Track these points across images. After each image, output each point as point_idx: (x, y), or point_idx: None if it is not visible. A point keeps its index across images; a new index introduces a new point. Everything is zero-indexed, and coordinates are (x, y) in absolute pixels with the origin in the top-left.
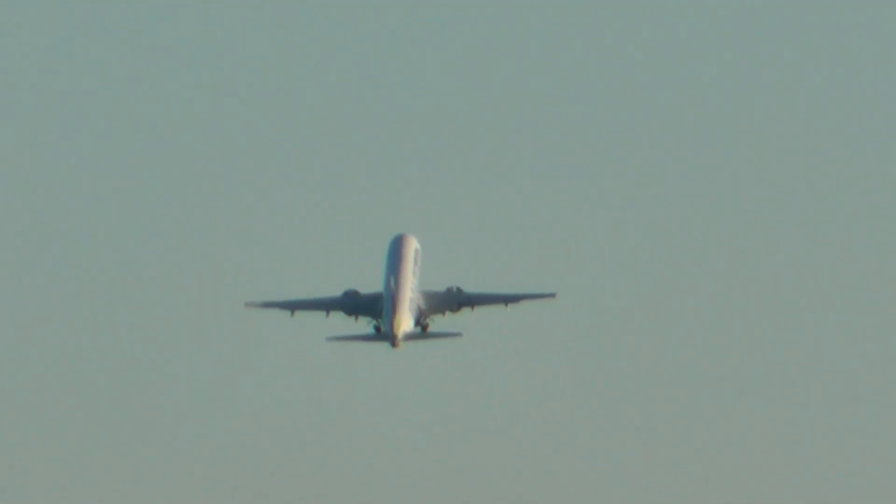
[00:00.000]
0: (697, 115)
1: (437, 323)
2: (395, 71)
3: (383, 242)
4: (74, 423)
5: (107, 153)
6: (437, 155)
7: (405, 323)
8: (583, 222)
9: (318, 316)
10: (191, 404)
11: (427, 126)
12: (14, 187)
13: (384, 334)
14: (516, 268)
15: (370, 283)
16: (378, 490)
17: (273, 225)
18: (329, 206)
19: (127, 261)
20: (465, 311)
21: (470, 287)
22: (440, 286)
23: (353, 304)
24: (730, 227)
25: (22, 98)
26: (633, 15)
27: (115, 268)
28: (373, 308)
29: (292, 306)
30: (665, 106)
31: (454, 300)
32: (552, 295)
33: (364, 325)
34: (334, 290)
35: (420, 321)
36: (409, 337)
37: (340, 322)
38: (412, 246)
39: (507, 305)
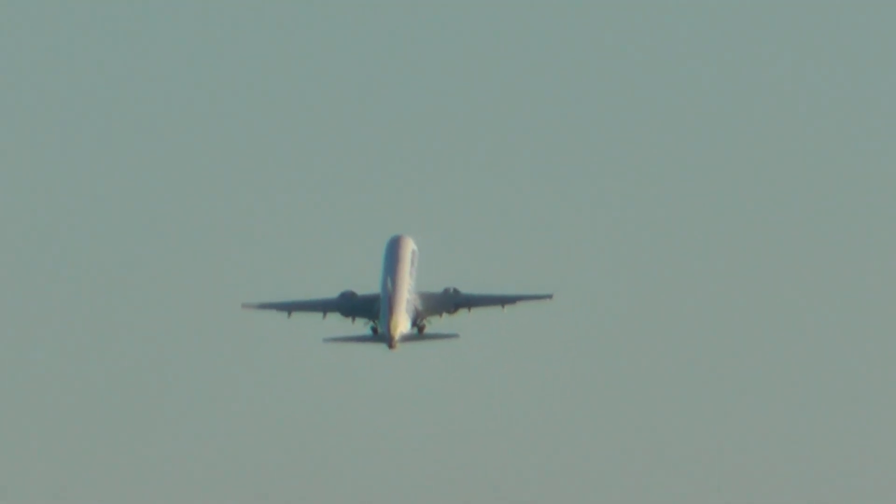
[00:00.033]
0: (695, 116)
1: (434, 324)
2: (391, 73)
3: (380, 244)
4: (71, 424)
5: (104, 154)
6: (434, 156)
7: (402, 324)
8: (579, 223)
9: (315, 317)
10: (188, 405)
11: (424, 128)
12: (12, 188)
13: (381, 335)
14: (513, 269)
15: (367, 284)
16: (375, 491)
17: (270, 226)
18: (326, 207)
19: (124, 261)
20: (462, 313)
21: (467, 288)
22: (437, 287)
23: (349, 305)
24: (728, 228)
25: (20, 98)
26: (632, 15)
27: (112, 268)
28: (370, 309)
29: (289, 307)
30: (662, 107)
31: (451, 301)
32: (549, 296)
33: (361, 326)
34: (331, 292)
35: (417, 322)
36: (406, 338)
37: (337, 323)
38: (409, 247)
39: (503, 306)
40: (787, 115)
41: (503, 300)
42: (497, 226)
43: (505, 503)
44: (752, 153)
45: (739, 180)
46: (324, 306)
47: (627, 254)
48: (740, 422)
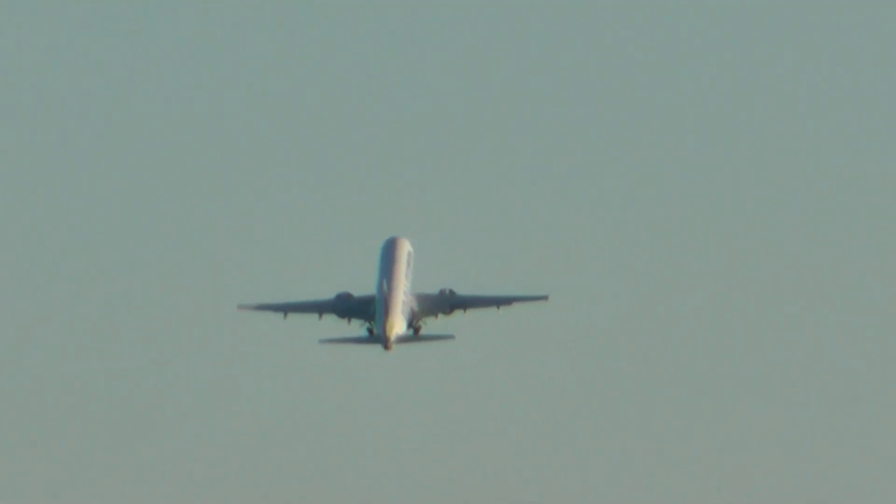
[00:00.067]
0: (691, 117)
1: (430, 325)
2: (387, 75)
3: (376, 245)
4: (67, 425)
5: (100, 156)
6: (430, 158)
7: (398, 325)
8: (575, 225)
9: (311, 318)
10: (184, 406)
11: (420, 129)
12: (9, 188)
13: (377, 337)
14: (509, 270)
15: (363, 285)
16: (371, 492)
17: (266, 228)
18: (322, 208)
19: (120, 263)
20: (458, 314)
21: (462, 289)
22: (433, 289)
23: (345, 306)
24: (725, 229)
25: (20, 98)
26: (628, 15)
27: (108, 269)
28: (365, 311)
29: (285, 309)
30: (658, 108)
31: (447, 302)
32: (544, 297)
33: (357, 327)
34: (327, 293)
35: (413, 324)
36: (402, 339)
37: (333, 325)
38: (405, 249)
39: (499, 308)
40: (786, 116)
41: (499, 301)
42: (492, 227)
43: (501, 503)
44: (749, 154)
45: (736, 181)
46: (320, 307)
47: (623, 255)
48: (736, 422)
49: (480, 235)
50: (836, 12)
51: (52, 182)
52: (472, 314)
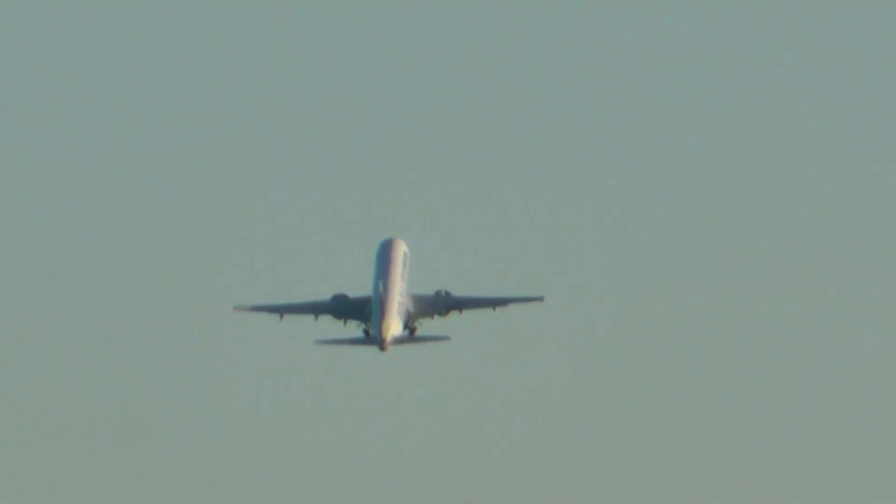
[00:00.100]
0: (688, 118)
1: (426, 326)
2: (383, 76)
3: (372, 246)
4: (62, 425)
5: (96, 157)
6: (426, 159)
7: (394, 327)
8: (571, 226)
9: (307, 320)
10: (180, 407)
11: (416, 131)
12: (4, 188)
13: (373, 338)
14: (504, 271)
15: (359, 286)
16: (368, 493)
17: (262, 229)
18: (318, 210)
19: (117, 263)
20: (454, 315)
21: (458, 291)
22: (428, 290)
23: (341, 307)
24: (718, 231)
25: (17, 97)
26: (623, 15)
27: (104, 270)
28: (361, 312)
29: (281, 310)
30: (654, 110)
31: (442, 304)
32: (540, 298)
33: (353, 328)
34: (323, 294)
35: (408, 324)
36: (398, 340)
37: (329, 326)
38: (401, 250)
39: (494, 309)
40: (785, 116)
41: (494, 302)
42: (488, 229)
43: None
44: (746, 155)
45: (733, 182)
46: (315, 309)
47: (618, 256)
48: (733, 423)
49: (476, 237)
50: (836, 12)
51: (48, 182)
52: (468, 315)
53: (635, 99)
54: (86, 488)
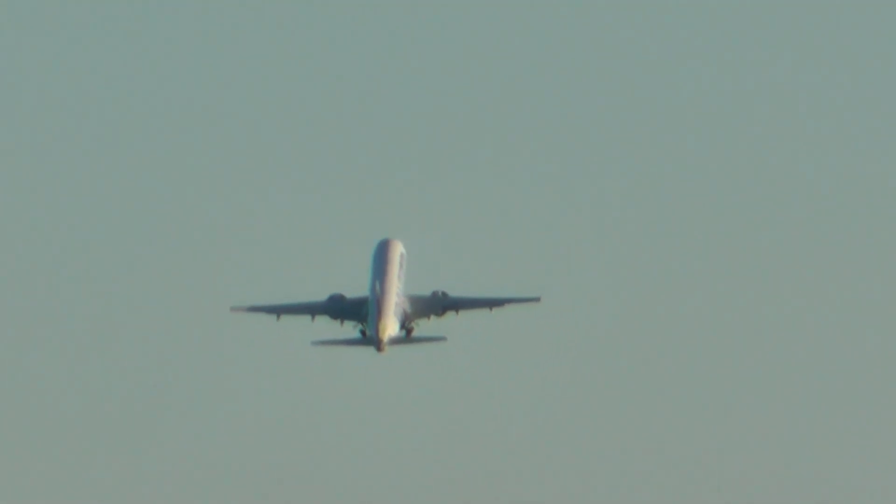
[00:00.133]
0: (685, 119)
1: (422, 327)
2: (378, 77)
3: (369, 247)
4: (58, 426)
5: (93, 157)
6: (423, 160)
7: (391, 327)
8: (567, 226)
9: (304, 320)
10: (176, 408)
11: (413, 131)
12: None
13: (370, 338)
14: (501, 272)
15: (356, 287)
16: (365, 493)
17: (259, 229)
18: (315, 210)
19: (113, 264)
20: (450, 315)
21: (454, 291)
22: (425, 290)
23: (338, 308)
24: (716, 231)
25: (16, 97)
26: (622, 15)
27: (101, 270)
28: (358, 312)
29: (278, 310)
30: (650, 110)
31: (439, 304)
32: (537, 299)
33: (350, 329)
34: (320, 295)
35: (405, 325)
36: (394, 341)
37: (326, 326)
38: (397, 250)
39: (491, 309)
40: (782, 117)
41: (491, 303)
42: (485, 229)
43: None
44: (743, 156)
45: (728, 183)
46: (312, 309)
47: (615, 256)
48: (729, 423)
49: (473, 237)
50: (836, 12)
51: (45, 182)
52: (465, 316)
53: (632, 99)
54: (83, 488)
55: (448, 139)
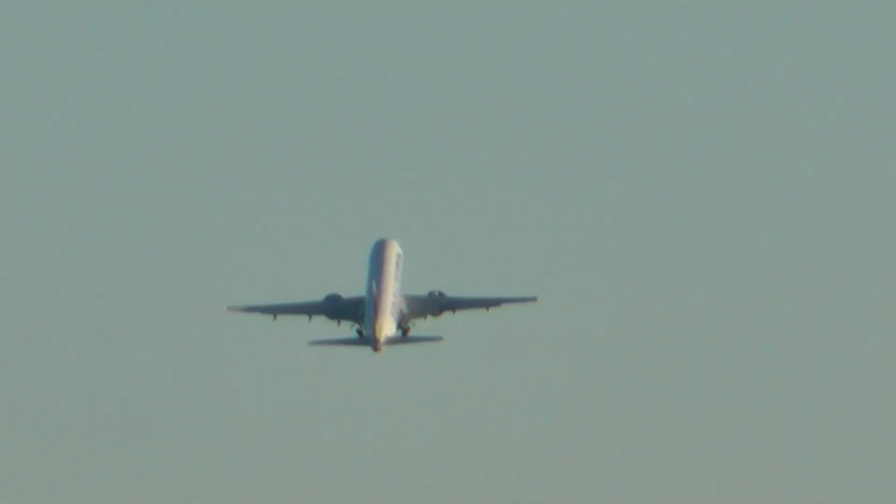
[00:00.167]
0: (682, 119)
1: (419, 327)
2: (375, 76)
3: (365, 247)
4: (54, 426)
5: (89, 157)
6: (420, 160)
7: (387, 327)
8: (563, 226)
9: (301, 320)
10: (173, 408)
11: (409, 131)
12: None
13: (366, 338)
14: (497, 272)
15: (352, 287)
16: (361, 493)
17: (255, 229)
18: (311, 210)
19: (110, 264)
20: (447, 315)
21: (451, 291)
22: (422, 290)
23: (335, 308)
24: (712, 232)
25: (14, 97)
26: (617, 16)
27: (97, 271)
28: (355, 312)
29: (274, 310)
30: (646, 111)
31: (436, 304)
32: (533, 299)
33: (346, 329)
34: (316, 295)
35: (401, 325)
36: (391, 341)
37: (323, 326)
38: (394, 250)
39: (487, 309)
40: (780, 118)
41: (487, 303)
42: (481, 229)
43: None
44: (740, 157)
45: (724, 183)
46: (309, 309)
47: (611, 256)
48: (725, 423)
49: (469, 237)
50: (836, 12)
51: (42, 182)
52: (461, 315)
53: (629, 99)
54: (80, 488)
55: (445, 139)
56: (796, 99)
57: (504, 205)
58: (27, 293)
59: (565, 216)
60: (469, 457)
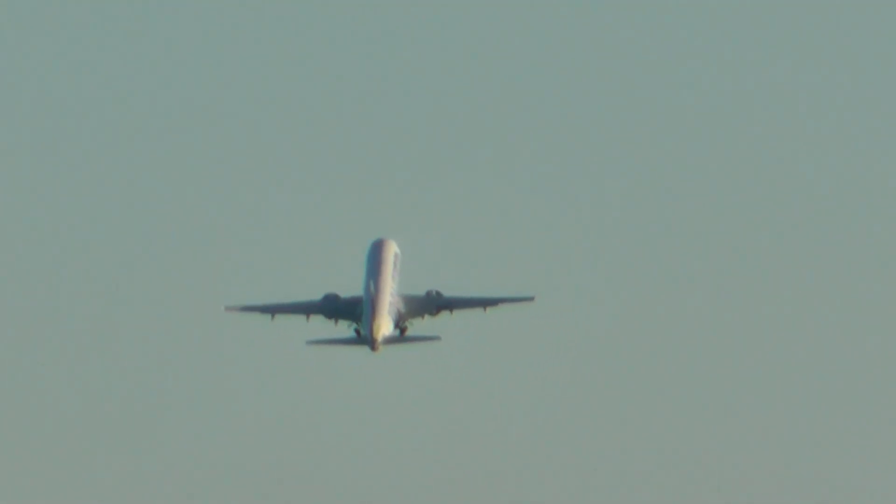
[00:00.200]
0: (678, 120)
1: (416, 326)
2: (373, 76)
3: (363, 246)
4: (51, 426)
5: (87, 157)
6: (417, 160)
7: (385, 327)
8: (561, 226)
9: (299, 320)
10: (171, 408)
11: (407, 131)
12: None
13: (364, 338)
14: (495, 272)
15: (350, 286)
16: (359, 492)
17: (253, 229)
18: (309, 210)
19: (106, 264)
20: (444, 315)
21: (449, 291)
22: (419, 290)
23: (332, 307)
24: (708, 232)
25: (13, 97)
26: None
27: (95, 270)
28: (353, 312)
29: (272, 310)
30: (644, 111)
31: (433, 304)
32: (530, 298)
33: (344, 328)
34: (314, 294)
35: (399, 324)
36: (388, 340)
37: (320, 326)
38: (392, 250)
39: (485, 309)
40: (778, 119)
41: (485, 302)
42: (479, 229)
43: (485, 503)
44: (737, 157)
45: (719, 184)
46: (307, 309)
47: (608, 256)
48: (722, 423)
49: (467, 237)
50: (836, 12)
51: (38, 182)
52: (459, 315)
53: (627, 99)
54: (78, 486)
55: (442, 139)
56: (796, 99)
57: (501, 205)
58: (25, 292)
59: (562, 216)
60: (466, 456)
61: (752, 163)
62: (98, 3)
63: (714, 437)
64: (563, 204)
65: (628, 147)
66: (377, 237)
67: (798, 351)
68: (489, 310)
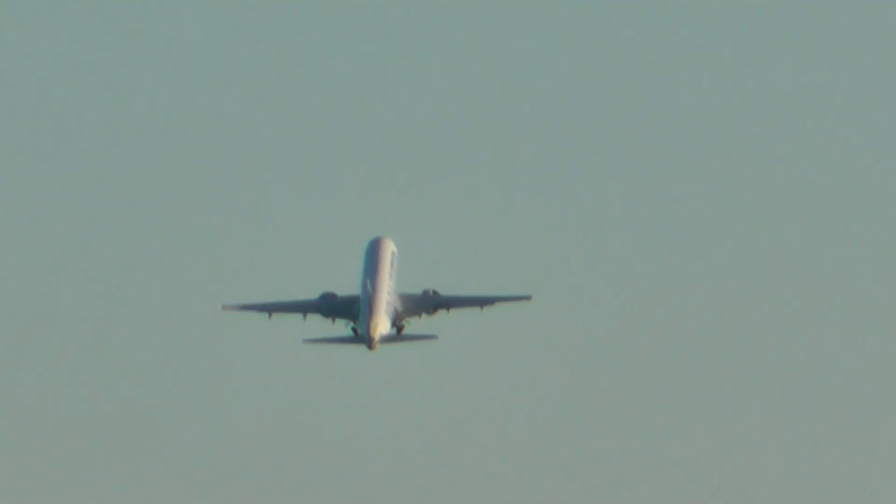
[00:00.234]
0: (676, 120)
1: (413, 325)
2: (370, 75)
3: (360, 245)
4: (48, 425)
5: (85, 157)
6: (415, 159)
7: (382, 325)
8: (558, 225)
9: (296, 318)
10: (167, 407)
11: (404, 130)
12: None
13: (361, 337)
14: (492, 271)
15: (347, 285)
16: (356, 491)
17: (250, 228)
18: (306, 208)
19: (103, 263)
20: (441, 314)
21: (445, 290)
22: (416, 289)
23: (329, 306)
24: (705, 231)
25: (13, 97)
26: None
27: (92, 270)
28: (350, 310)
29: (269, 309)
30: (641, 112)
31: (430, 303)
32: (527, 297)
33: (341, 327)
34: (311, 293)
35: (396, 323)
36: (385, 339)
37: (317, 324)
38: (389, 249)
39: (482, 308)
40: (778, 119)
41: (482, 301)
42: (476, 228)
43: (482, 503)
44: (734, 157)
45: (716, 184)
46: (304, 307)
47: (605, 255)
48: (720, 423)
49: (464, 236)
50: (836, 12)
51: (36, 181)
52: (455, 314)
53: (624, 99)
54: (76, 486)
55: (439, 138)
56: (796, 99)
57: (498, 204)
58: (23, 292)
59: (559, 215)
60: (463, 455)
61: (751, 163)
62: (98, 3)
63: (712, 437)
64: (559, 203)
65: (626, 147)
66: (374, 236)
67: (797, 351)
68: (486, 309)
